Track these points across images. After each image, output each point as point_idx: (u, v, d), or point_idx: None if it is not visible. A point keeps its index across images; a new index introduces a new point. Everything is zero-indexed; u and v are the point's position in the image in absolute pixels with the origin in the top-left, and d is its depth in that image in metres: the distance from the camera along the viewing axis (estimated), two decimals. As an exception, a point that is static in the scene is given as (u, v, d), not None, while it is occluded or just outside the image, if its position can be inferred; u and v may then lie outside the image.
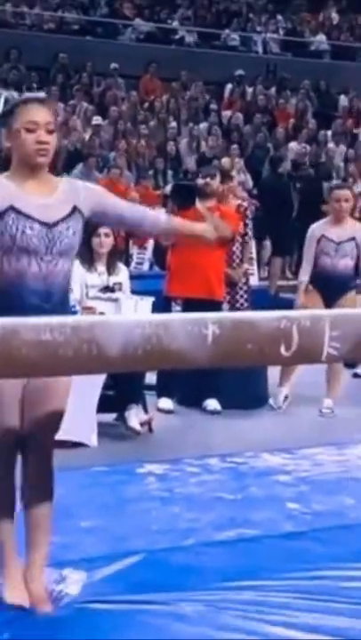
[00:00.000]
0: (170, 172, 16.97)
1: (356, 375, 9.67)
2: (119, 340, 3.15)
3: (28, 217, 3.85)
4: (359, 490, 5.99)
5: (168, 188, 8.74)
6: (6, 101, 3.50)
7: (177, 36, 22.01)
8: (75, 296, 7.49)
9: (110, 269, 7.69)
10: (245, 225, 9.41)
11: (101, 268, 7.69)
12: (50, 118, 3.94)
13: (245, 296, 9.45)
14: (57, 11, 21.63)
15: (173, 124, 18.70)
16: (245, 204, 9.48)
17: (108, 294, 7.62)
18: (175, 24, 22.39)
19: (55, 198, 3.93)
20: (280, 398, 8.52)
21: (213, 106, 20.33)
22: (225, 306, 9.00)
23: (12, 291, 3.86)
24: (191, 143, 18.36)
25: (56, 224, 3.90)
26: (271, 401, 8.56)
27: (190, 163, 17.45)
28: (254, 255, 13.80)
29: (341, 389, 8.53)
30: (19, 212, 3.84)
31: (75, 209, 3.95)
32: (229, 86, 21.13)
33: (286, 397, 8.54)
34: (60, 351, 3.07)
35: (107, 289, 7.64)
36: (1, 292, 3.87)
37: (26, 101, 4.00)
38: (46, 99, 4.06)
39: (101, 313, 7.10)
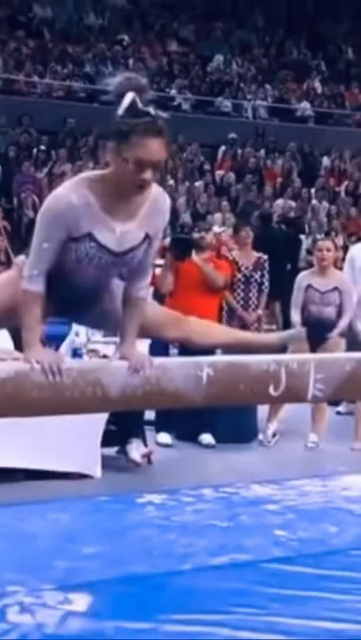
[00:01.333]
0: (168, 227, 17.01)
1: (338, 413, 9.64)
2: (121, 382, 3.15)
3: (101, 246, 3.47)
4: (342, 518, 5.95)
5: (167, 241, 8.75)
6: (130, 106, 2.98)
7: (175, 103, 22.09)
8: (80, 340, 7.48)
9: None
10: (263, 275, 9.35)
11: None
12: (162, 156, 3.43)
13: None
14: (65, 80, 21.73)
15: (171, 182, 18.74)
16: (265, 256, 9.44)
17: (110, 338, 7.60)
18: (173, 92, 22.50)
19: (136, 222, 3.52)
20: (269, 433, 8.49)
21: (208, 166, 20.41)
22: None
23: (59, 282, 3.51)
24: (188, 200, 18.41)
25: (126, 252, 3.53)
26: (261, 436, 8.52)
27: (187, 218, 17.48)
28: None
29: (326, 425, 8.50)
30: (95, 240, 3.46)
31: (146, 237, 3.56)
32: (222, 148, 21.21)
33: (275, 434, 8.51)
34: (67, 393, 3.07)
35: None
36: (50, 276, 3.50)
37: (145, 134, 3.36)
38: (165, 128, 3.44)
39: (104, 356, 7.08)
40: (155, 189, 3.53)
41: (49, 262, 3.41)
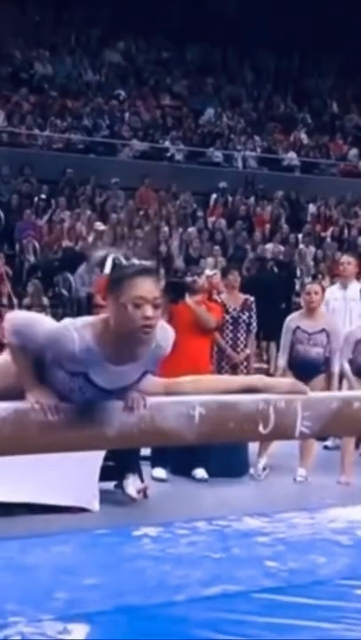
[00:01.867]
0: (162, 271, 17.04)
1: (326, 447, 9.60)
2: (117, 421, 3.14)
3: (95, 386, 3.36)
4: (329, 549, 5.92)
5: (161, 285, 8.75)
6: (114, 265, 3.03)
7: (168, 154, 22.22)
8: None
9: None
10: (250, 316, 9.36)
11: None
12: (157, 293, 3.34)
13: None
14: (65, 132, 21.84)
15: (165, 228, 18.80)
16: (252, 298, 9.47)
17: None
18: (167, 143, 22.61)
19: (137, 363, 3.44)
20: (259, 468, 8.47)
21: (200, 213, 20.48)
22: None
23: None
24: (181, 245, 18.46)
25: (117, 390, 3.43)
26: (252, 470, 8.50)
27: (180, 262, 17.53)
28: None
29: (313, 460, 8.47)
30: (89, 380, 3.35)
31: (144, 373, 3.50)
32: (214, 196, 21.29)
33: (265, 468, 8.49)
34: (65, 432, 3.06)
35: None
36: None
37: (134, 274, 3.32)
38: (154, 269, 3.48)
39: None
40: (160, 329, 3.46)
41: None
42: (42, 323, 3.38)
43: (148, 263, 3.38)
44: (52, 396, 3.31)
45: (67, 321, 3.42)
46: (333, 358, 8.46)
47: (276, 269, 16.82)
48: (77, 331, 3.29)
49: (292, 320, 8.62)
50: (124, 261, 3.33)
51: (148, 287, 3.31)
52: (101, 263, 3.34)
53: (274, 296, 14.72)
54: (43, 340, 3.29)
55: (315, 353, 8.43)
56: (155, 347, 3.44)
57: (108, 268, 3.32)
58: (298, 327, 8.49)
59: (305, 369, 8.23)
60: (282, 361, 8.55)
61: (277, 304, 14.59)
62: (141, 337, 3.32)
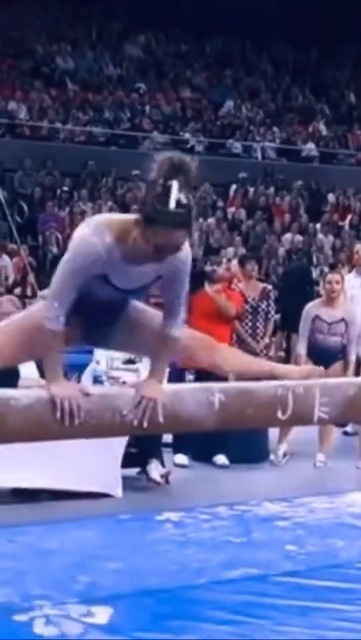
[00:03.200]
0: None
1: (346, 433, 9.59)
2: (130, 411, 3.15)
3: (111, 285, 3.43)
4: (348, 533, 5.91)
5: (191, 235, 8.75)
6: (171, 194, 2.87)
7: (188, 146, 22.17)
8: (101, 367, 7.48)
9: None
10: (268, 305, 9.35)
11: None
12: (182, 242, 3.37)
13: None
14: (86, 126, 21.85)
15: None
16: (270, 287, 9.47)
17: (130, 365, 7.60)
18: (187, 135, 22.58)
19: (145, 268, 3.43)
20: (280, 454, 8.46)
21: (220, 204, 20.45)
22: None
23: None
24: (201, 236, 18.43)
25: (134, 290, 3.51)
26: (272, 456, 8.49)
27: (200, 252, 17.51)
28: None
29: (332, 445, 8.46)
30: (107, 281, 3.42)
31: (157, 278, 3.51)
32: (233, 187, 21.26)
33: (285, 454, 8.48)
34: (87, 418, 3.07)
35: (129, 361, 7.63)
36: None
37: (170, 227, 3.27)
38: (189, 224, 3.35)
39: (124, 382, 7.08)
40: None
41: (69, 303, 3.35)
42: (65, 263, 3.38)
43: (184, 213, 3.28)
44: (75, 390, 3.31)
45: (91, 221, 3.43)
46: (350, 346, 8.46)
47: (295, 258, 16.80)
48: (96, 234, 3.32)
49: (312, 309, 8.57)
50: (179, 198, 3.24)
51: (177, 238, 3.30)
52: (164, 183, 3.24)
53: (295, 285, 14.67)
54: (72, 267, 3.33)
55: (333, 342, 8.43)
56: (174, 257, 3.42)
57: (164, 195, 3.22)
58: (317, 316, 8.46)
59: (323, 357, 8.20)
60: (302, 349, 8.53)
61: (298, 293, 14.52)
62: (154, 260, 3.35)
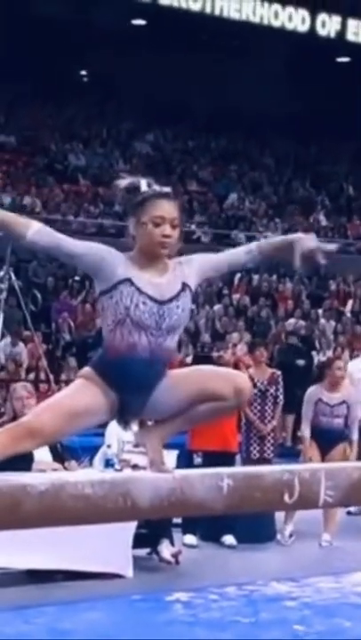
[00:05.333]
0: (190, 346, 17.04)
1: (349, 513, 9.48)
2: (149, 494, 3.11)
3: (141, 292, 3.39)
4: (355, 614, 5.82)
5: (189, 359, 8.76)
6: (136, 189, 3.05)
7: (195, 237, 22.36)
8: (113, 451, 7.44)
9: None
10: (277, 389, 9.32)
11: (135, 426, 7.62)
12: (176, 214, 3.48)
13: (272, 448, 9.26)
14: (97, 218, 22.06)
15: (193, 306, 18.81)
16: (279, 372, 9.47)
17: (140, 449, 7.54)
18: (193, 227, 22.78)
19: (166, 279, 3.45)
20: (286, 534, 8.37)
21: (225, 291, 20.53)
22: (256, 455, 8.95)
23: (120, 362, 3.41)
24: (207, 322, 18.47)
25: (167, 302, 3.44)
26: (279, 536, 8.40)
27: (207, 338, 17.53)
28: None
29: (337, 525, 8.37)
30: (134, 284, 3.40)
31: (184, 286, 3.48)
32: (238, 275, 21.36)
33: (291, 535, 8.39)
34: (100, 503, 3.03)
35: (139, 444, 7.57)
36: (109, 363, 3.43)
37: (155, 196, 3.48)
38: (172, 193, 3.60)
39: (135, 465, 7.03)
40: (175, 259, 3.53)
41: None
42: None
43: (167, 189, 3.52)
44: None
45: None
46: (353, 427, 8.48)
47: (298, 343, 16.78)
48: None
49: (314, 392, 8.61)
50: (146, 187, 3.48)
51: (168, 208, 3.45)
52: (134, 188, 3.48)
53: (296, 370, 14.67)
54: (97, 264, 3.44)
55: (336, 423, 8.46)
56: (182, 265, 3.50)
57: (140, 189, 3.48)
58: (320, 399, 8.49)
59: (328, 439, 8.30)
60: (306, 432, 8.53)
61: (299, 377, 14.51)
62: (160, 253, 3.43)
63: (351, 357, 15.12)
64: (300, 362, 15.30)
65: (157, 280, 3.44)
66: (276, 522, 8.45)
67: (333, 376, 8.54)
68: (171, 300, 3.45)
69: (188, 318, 3.58)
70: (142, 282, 3.41)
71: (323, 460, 8.16)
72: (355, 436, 8.52)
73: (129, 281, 3.40)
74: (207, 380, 3.51)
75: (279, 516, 8.34)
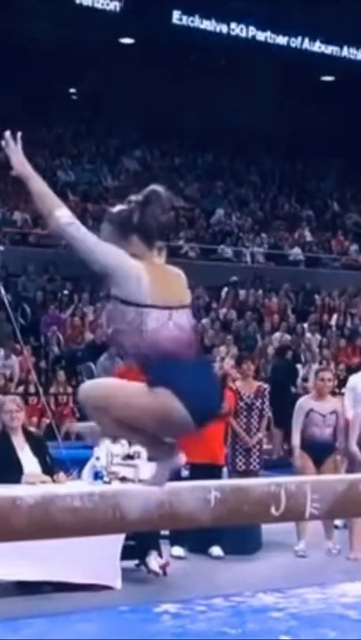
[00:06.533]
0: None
1: (336, 527, 9.43)
2: (138, 506, 3.10)
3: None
4: (340, 624, 5.81)
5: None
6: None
7: (182, 251, 22.37)
8: (101, 463, 7.41)
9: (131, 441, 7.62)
10: (263, 402, 9.31)
11: (124, 440, 7.61)
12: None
13: (258, 460, 9.23)
14: (87, 233, 22.01)
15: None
16: (265, 385, 9.48)
17: (129, 461, 7.53)
18: (181, 242, 22.78)
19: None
20: (302, 546, 8.29)
21: (213, 305, 20.54)
22: (242, 466, 8.91)
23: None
24: (195, 336, 18.44)
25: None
26: (297, 548, 8.28)
27: (194, 351, 17.47)
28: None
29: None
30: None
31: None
32: (225, 289, 21.38)
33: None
34: (89, 516, 3.02)
35: (128, 457, 7.57)
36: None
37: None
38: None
39: (123, 477, 7.01)
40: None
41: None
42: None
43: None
44: None
45: None
46: (340, 436, 8.48)
47: (283, 357, 16.78)
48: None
49: (304, 402, 8.65)
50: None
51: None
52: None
53: (281, 383, 14.67)
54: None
55: (327, 434, 8.50)
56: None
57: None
58: (311, 409, 8.50)
59: (320, 450, 8.34)
60: (296, 441, 8.53)
61: (284, 391, 14.51)
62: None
63: (337, 370, 15.17)
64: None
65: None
66: (263, 534, 8.43)
67: (322, 387, 8.58)
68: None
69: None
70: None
71: (318, 470, 8.20)
72: (341, 445, 8.50)
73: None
74: None
75: (266, 527, 8.32)
